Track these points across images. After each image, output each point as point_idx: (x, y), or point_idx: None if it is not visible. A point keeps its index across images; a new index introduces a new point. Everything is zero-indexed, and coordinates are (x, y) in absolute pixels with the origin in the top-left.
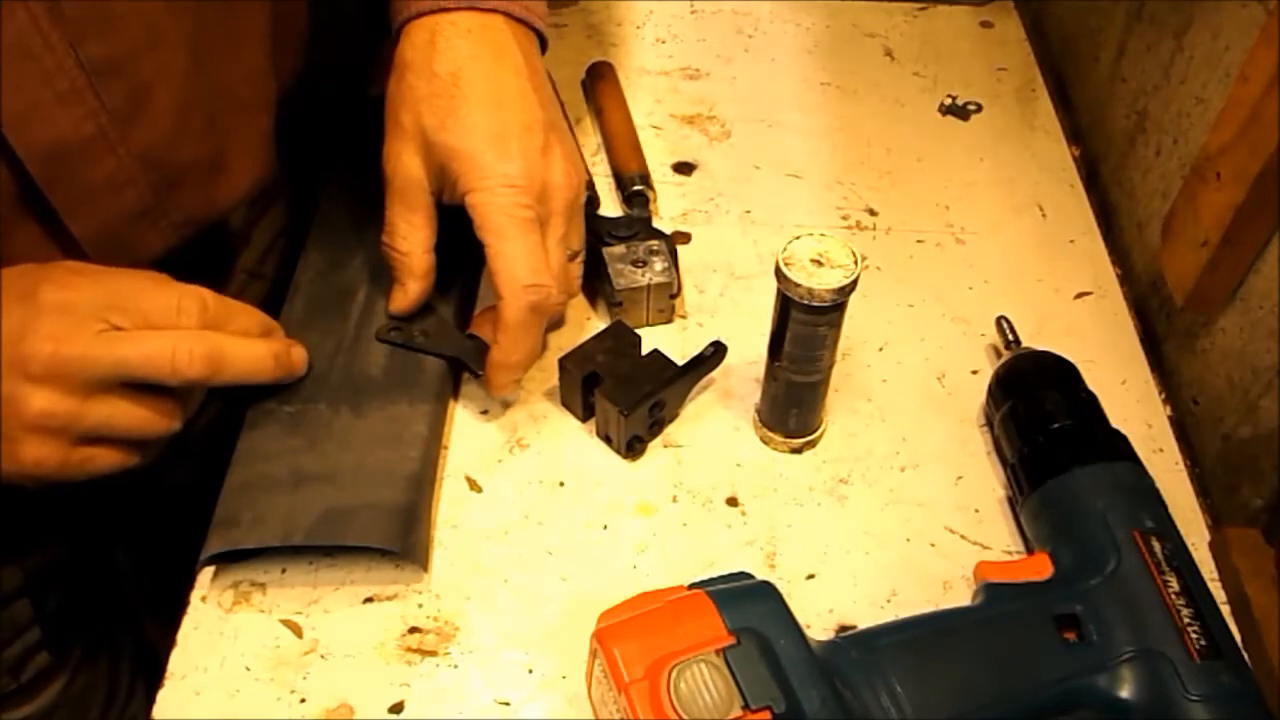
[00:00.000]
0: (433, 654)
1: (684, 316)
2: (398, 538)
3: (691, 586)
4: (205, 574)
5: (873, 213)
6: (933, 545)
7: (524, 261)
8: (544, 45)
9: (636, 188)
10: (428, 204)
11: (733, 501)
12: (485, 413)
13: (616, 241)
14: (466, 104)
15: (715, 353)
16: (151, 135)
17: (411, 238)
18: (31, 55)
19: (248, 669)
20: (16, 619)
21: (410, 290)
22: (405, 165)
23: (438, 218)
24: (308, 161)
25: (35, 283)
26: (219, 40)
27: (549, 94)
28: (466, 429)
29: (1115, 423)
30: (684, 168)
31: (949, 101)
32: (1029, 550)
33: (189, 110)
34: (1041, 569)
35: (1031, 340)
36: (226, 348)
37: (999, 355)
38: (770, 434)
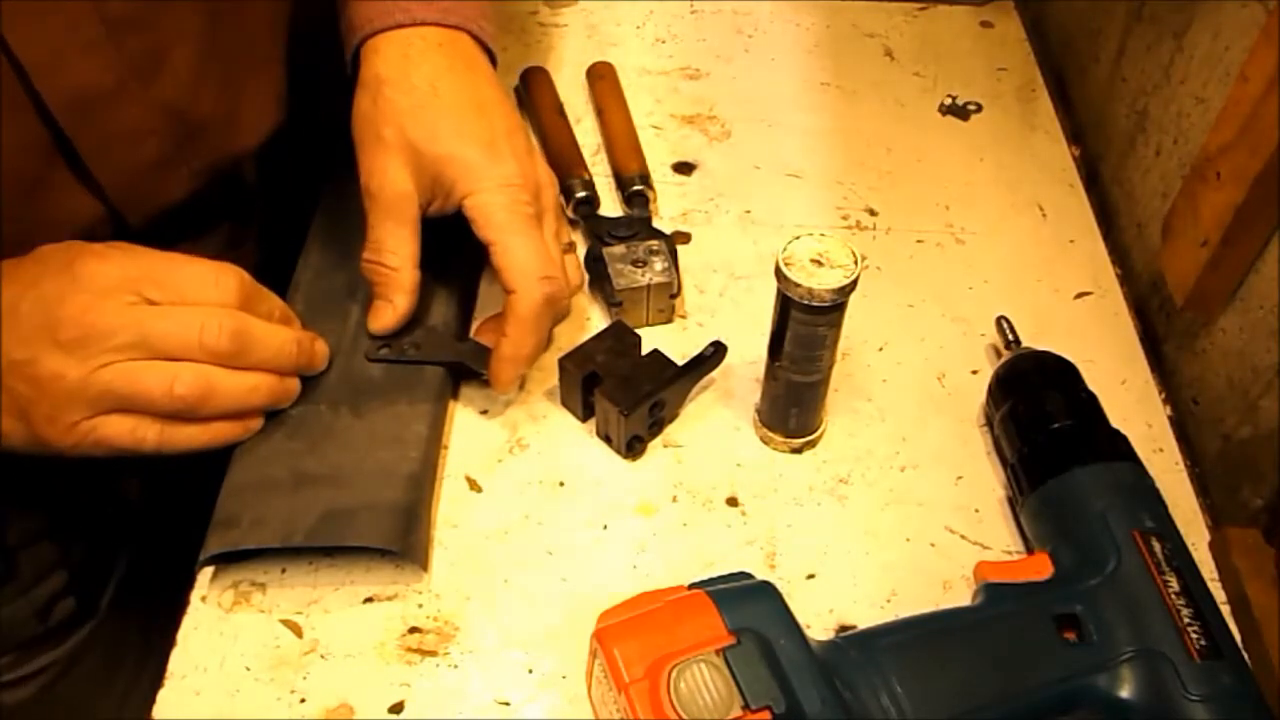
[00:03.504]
0: (433, 654)
1: (684, 316)
2: (398, 538)
3: (691, 586)
4: (205, 574)
5: (873, 213)
6: (933, 545)
7: (534, 255)
8: (494, 63)
9: (636, 188)
10: (415, 217)
11: (733, 501)
12: (485, 413)
13: (616, 241)
14: (452, 112)
15: (715, 353)
16: (170, 88)
17: (400, 252)
18: (57, 6)
19: (248, 669)
20: (42, 560)
21: (399, 306)
22: (393, 179)
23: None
24: (314, 118)
25: (75, 256)
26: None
27: (515, 104)
28: (466, 429)
29: (1115, 423)
30: (684, 168)
31: (949, 101)
32: (1029, 550)
33: (206, 65)
34: (1041, 569)
35: (1031, 340)
36: (254, 327)
37: (999, 355)
38: (770, 434)
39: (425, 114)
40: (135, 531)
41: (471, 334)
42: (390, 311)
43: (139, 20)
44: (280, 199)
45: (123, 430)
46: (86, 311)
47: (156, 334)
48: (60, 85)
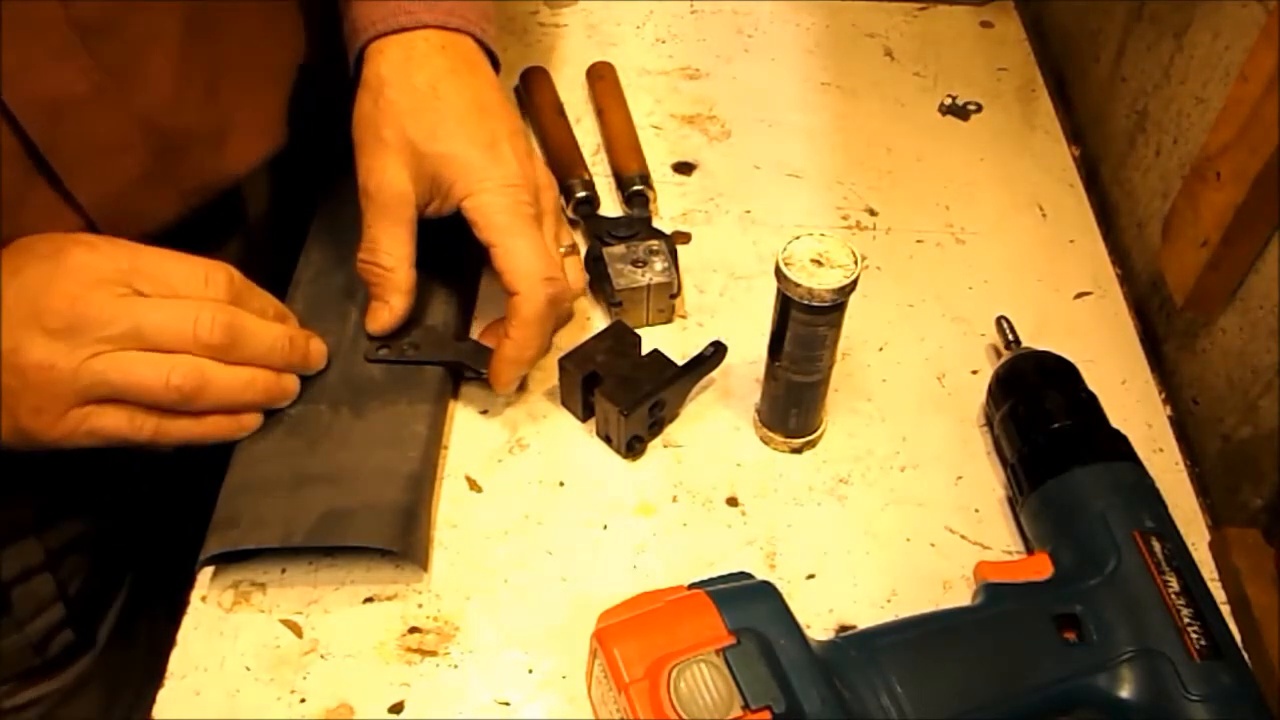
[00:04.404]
0: (433, 654)
1: (684, 316)
2: (398, 538)
3: (691, 586)
4: (205, 574)
5: (873, 213)
6: (933, 545)
7: (537, 256)
8: (496, 69)
9: (636, 188)
10: (412, 218)
11: (733, 501)
12: (485, 413)
13: (616, 241)
14: (453, 113)
15: (715, 353)
16: (149, 97)
17: (396, 253)
18: (22, 10)
19: (248, 669)
20: (39, 593)
21: (395, 306)
22: (391, 179)
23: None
24: (314, 134)
25: (64, 245)
26: (217, 8)
27: (516, 106)
28: (466, 429)
29: (1115, 423)
30: (684, 168)
31: (949, 101)
32: (1029, 550)
33: (187, 75)
34: (1041, 569)
35: (1031, 340)
36: (247, 321)
37: (999, 355)
38: (770, 434)
39: (426, 114)
40: (134, 560)
41: (475, 337)
42: (386, 312)
43: (111, 24)
44: (284, 203)
45: (119, 420)
46: (76, 301)
47: (150, 325)
48: (29, 93)
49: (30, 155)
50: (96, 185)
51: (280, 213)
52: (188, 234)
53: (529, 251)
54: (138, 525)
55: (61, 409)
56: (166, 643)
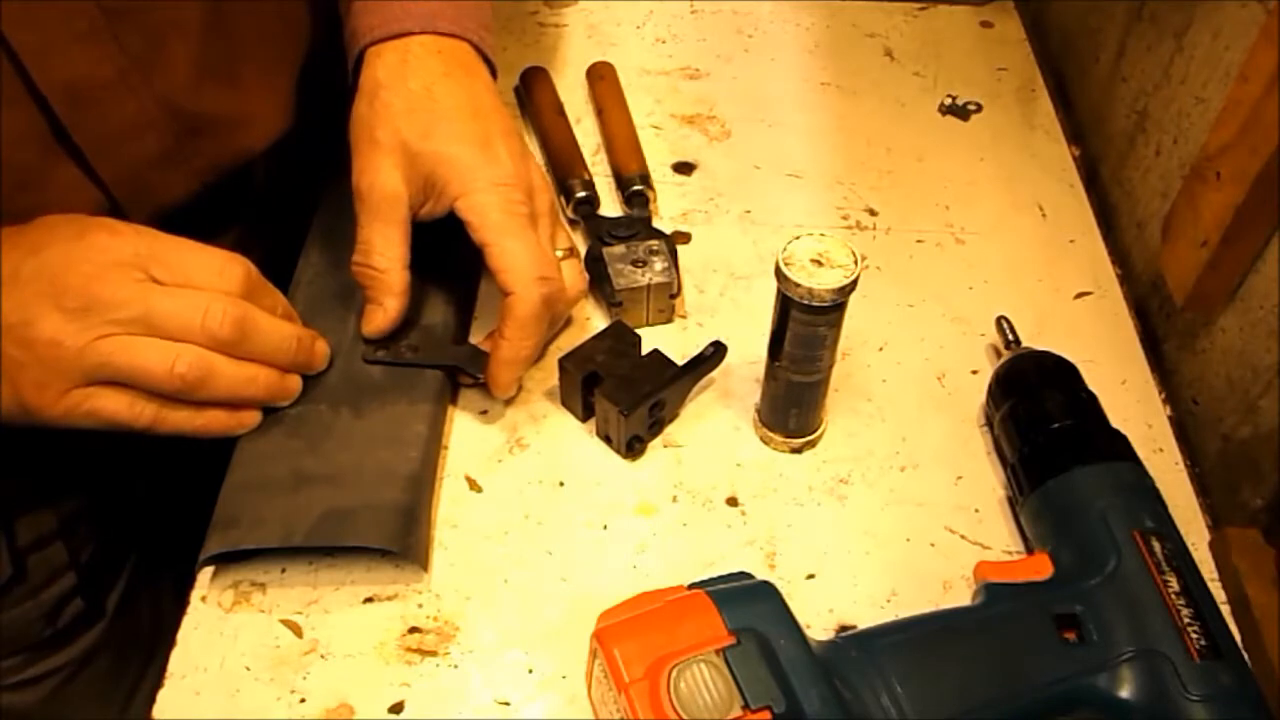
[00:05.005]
0: (433, 654)
1: (684, 316)
2: (397, 538)
3: (691, 586)
4: (205, 574)
5: (873, 213)
6: (933, 545)
7: (531, 256)
8: (494, 76)
9: (636, 188)
10: (405, 219)
11: (733, 501)
12: (485, 413)
13: (616, 241)
14: (448, 114)
15: (715, 353)
16: (169, 82)
17: (389, 254)
18: None
19: (248, 669)
20: (51, 562)
21: (389, 308)
22: (384, 180)
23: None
24: (318, 115)
25: (87, 227)
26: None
27: (512, 111)
28: (466, 429)
29: (1115, 423)
30: (684, 168)
31: (949, 101)
32: (1029, 550)
33: (206, 62)
34: (1041, 569)
35: (1031, 340)
36: (257, 317)
37: (999, 355)
38: (770, 434)
39: (420, 115)
40: (141, 531)
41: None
42: (381, 314)
43: (135, 12)
44: (287, 198)
45: (120, 405)
46: (92, 281)
47: (160, 312)
48: (57, 75)
49: (56, 133)
50: (118, 164)
51: (284, 190)
52: (198, 210)
53: (523, 251)
54: (143, 498)
55: (64, 387)
56: (169, 616)
